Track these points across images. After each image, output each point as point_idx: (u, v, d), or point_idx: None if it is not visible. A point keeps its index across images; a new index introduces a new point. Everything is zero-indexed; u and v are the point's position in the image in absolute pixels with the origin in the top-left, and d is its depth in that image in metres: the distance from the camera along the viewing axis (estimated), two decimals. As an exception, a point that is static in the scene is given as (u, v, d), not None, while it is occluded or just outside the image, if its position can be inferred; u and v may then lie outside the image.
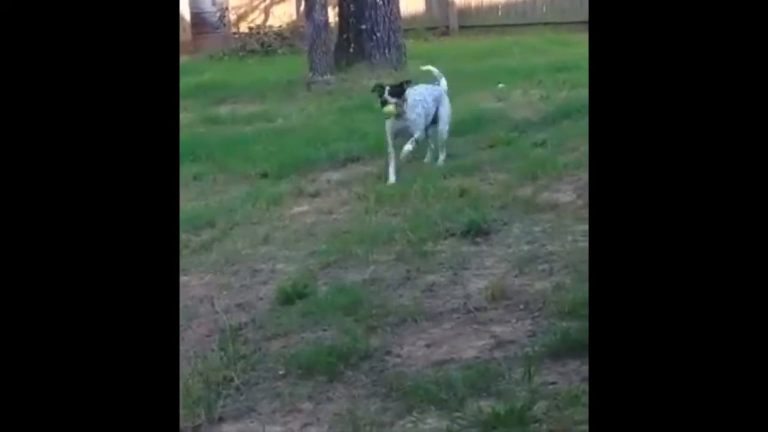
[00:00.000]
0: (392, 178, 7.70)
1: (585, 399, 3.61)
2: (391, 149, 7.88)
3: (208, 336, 4.85)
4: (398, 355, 4.45)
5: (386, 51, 14.04)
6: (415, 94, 8.12)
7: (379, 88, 8.07)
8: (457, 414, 3.76)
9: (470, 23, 18.91)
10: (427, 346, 4.52)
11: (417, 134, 7.98)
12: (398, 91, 7.96)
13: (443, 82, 8.55)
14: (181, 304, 5.33)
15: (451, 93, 9.24)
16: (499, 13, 18.91)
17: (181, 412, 3.96)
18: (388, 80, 9.43)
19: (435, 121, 8.25)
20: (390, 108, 7.89)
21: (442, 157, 8.20)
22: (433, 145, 8.32)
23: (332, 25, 14.15)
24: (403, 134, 8.02)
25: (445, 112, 8.41)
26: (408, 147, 7.89)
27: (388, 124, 8.07)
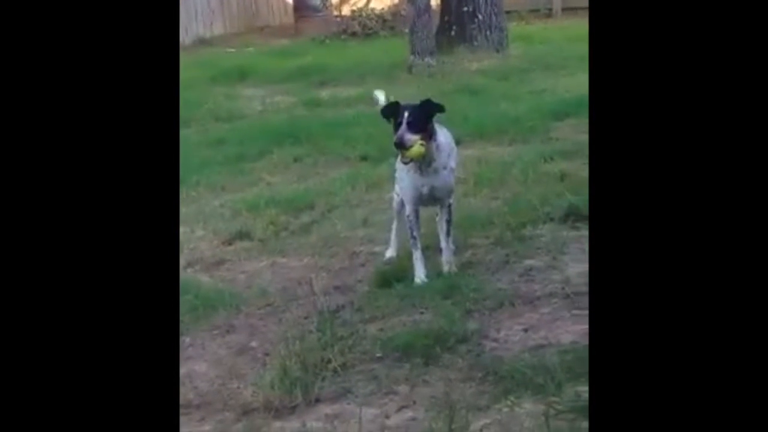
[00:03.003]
0: (421, 274, 5.27)
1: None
2: (416, 233, 5.34)
3: (306, 318, 4.89)
4: (495, 339, 4.44)
5: (488, 33, 13.99)
6: (442, 133, 5.37)
7: (392, 109, 5.27)
8: (554, 399, 3.73)
9: (573, 5, 18.70)
10: (525, 330, 4.50)
11: (450, 200, 5.42)
12: (422, 120, 5.16)
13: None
14: (280, 286, 5.40)
15: (556, 77, 9.06)
16: (603, -5, 18.66)
17: (278, 392, 4.02)
18: (481, 65, 9.11)
19: None
20: (418, 149, 5.11)
21: (448, 245, 5.39)
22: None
23: (434, 7, 14.12)
24: (428, 202, 5.42)
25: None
26: (447, 247, 5.35)
27: (407, 182, 5.34)
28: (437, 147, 5.24)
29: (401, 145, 5.07)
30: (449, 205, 5.35)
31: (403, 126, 5.07)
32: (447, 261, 5.32)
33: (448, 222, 5.34)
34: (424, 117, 5.16)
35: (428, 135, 5.16)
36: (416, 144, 5.08)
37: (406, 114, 5.10)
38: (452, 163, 5.36)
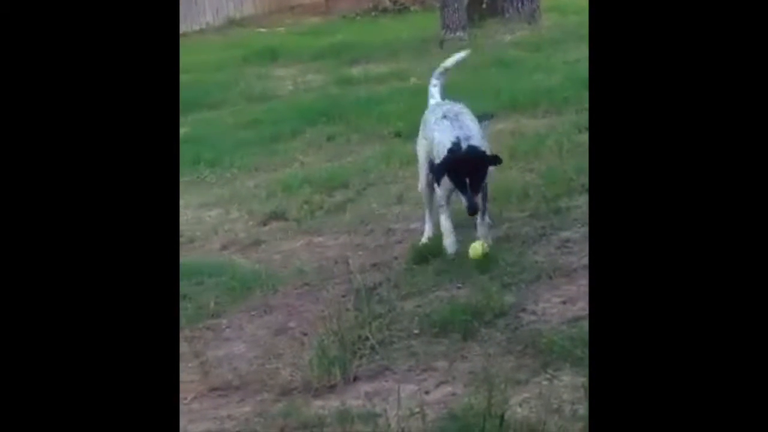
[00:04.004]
0: (451, 249, 5.24)
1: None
2: (446, 206, 5.29)
3: (343, 296, 4.88)
4: (533, 312, 4.42)
5: (520, 5, 13.88)
6: (469, 116, 5.41)
7: (449, 167, 5.14)
8: (594, 371, 3.71)
9: (605, -27, 18.52)
10: (563, 302, 4.48)
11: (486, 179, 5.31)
12: (483, 177, 5.15)
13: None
14: (316, 265, 5.40)
15: (586, 48, 8.94)
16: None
17: (317, 372, 4.02)
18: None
19: None
20: (481, 249, 5.08)
21: (483, 221, 5.30)
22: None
23: (464, -19, 14.03)
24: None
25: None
26: (482, 222, 5.25)
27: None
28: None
29: (474, 212, 5.05)
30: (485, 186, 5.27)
31: (469, 193, 5.00)
32: (482, 236, 5.26)
33: (483, 198, 5.25)
34: (484, 172, 5.12)
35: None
36: (483, 244, 5.06)
37: (468, 181, 5.01)
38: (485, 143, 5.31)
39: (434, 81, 5.81)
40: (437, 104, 5.61)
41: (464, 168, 5.07)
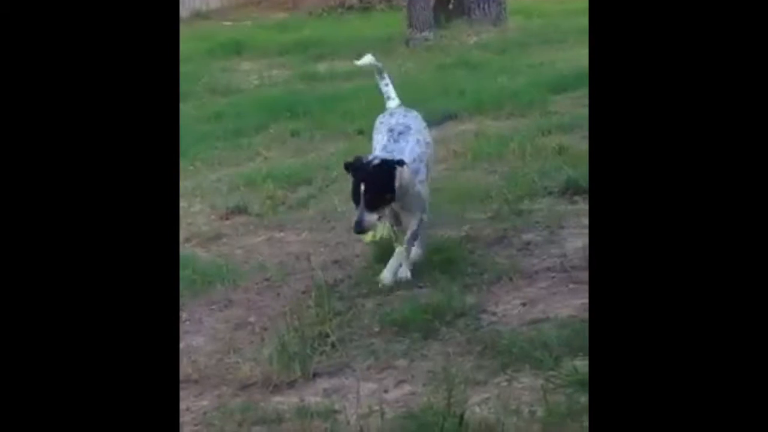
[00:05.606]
0: (388, 276, 4.84)
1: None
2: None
3: (304, 292, 4.88)
4: (493, 314, 4.44)
5: (486, 6, 13.91)
6: (410, 140, 4.89)
7: (352, 172, 4.74)
8: (552, 373, 3.73)
9: (571, -22, 18.60)
10: (523, 304, 4.50)
11: (424, 216, 4.96)
12: (383, 188, 4.64)
13: (386, 78, 5.38)
14: (278, 260, 5.40)
15: (554, 50, 8.91)
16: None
17: (276, 367, 4.02)
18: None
19: None
20: (381, 232, 4.83)
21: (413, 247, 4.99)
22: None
23: (431, -20, 14.05)
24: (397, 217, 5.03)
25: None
26: (415, 250, 4.98)
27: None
28: (401, 180, 4.70)
29: (360, 232, 4.71)
30: (420, 219, 4.96)
31: (361, 207, 4.60)
32: (400, 255, 4.91)
33: (414, 234, 4.96)
34: (385, 181, 4.65)
35: (385, 210, 4.78)
36: (378, 226, 4.74)
37: (362, 188, 4.60)
38: (421, 175, 4.90)
39: (386, 80, 5.37)
40: (393, 110, 5.24)
41: (363, 179, 4.64)
